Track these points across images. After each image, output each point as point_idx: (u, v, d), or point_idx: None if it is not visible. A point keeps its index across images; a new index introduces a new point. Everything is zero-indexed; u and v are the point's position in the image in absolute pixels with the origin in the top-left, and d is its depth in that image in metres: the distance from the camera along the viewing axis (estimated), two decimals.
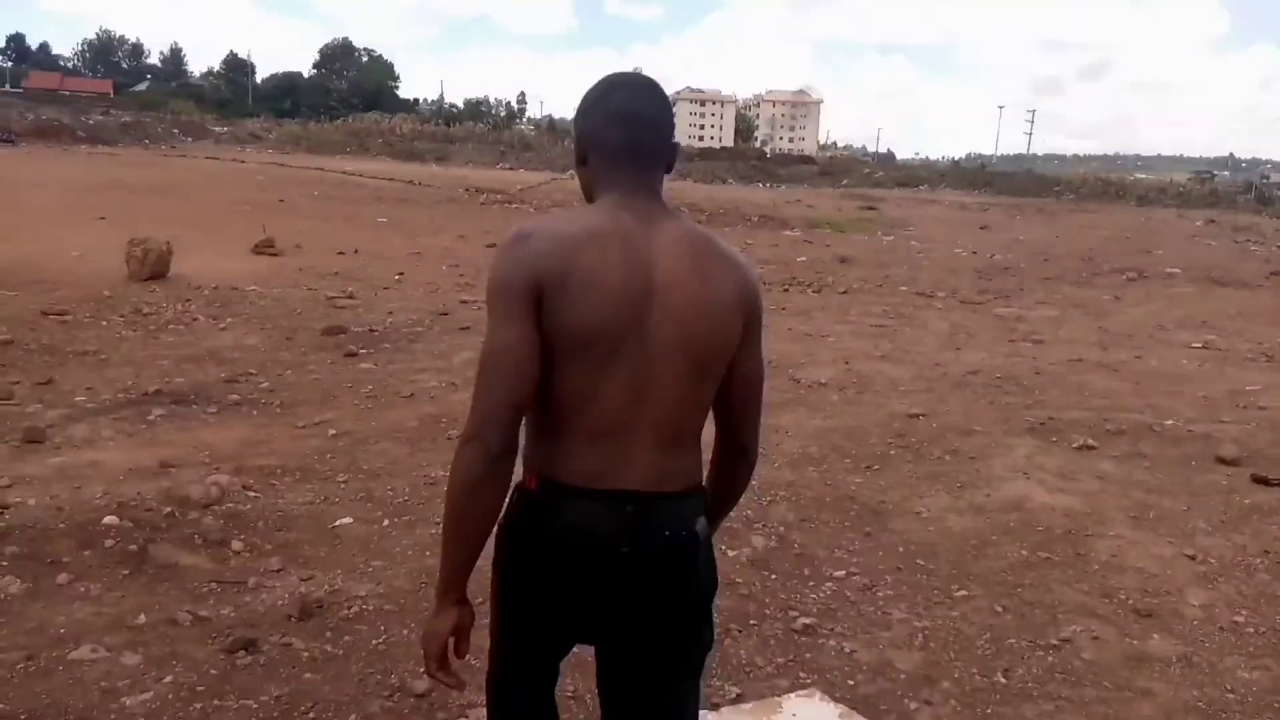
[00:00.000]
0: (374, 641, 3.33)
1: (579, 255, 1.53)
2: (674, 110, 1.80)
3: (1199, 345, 10.38)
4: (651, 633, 1.67)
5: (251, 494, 4.53)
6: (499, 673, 1.85)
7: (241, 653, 3.19)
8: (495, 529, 1.62)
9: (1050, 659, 3.38)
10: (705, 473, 1.77)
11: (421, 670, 3.10)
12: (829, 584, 3.95)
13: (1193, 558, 4.25)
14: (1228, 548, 4.37)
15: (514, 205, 26.22)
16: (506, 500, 1.59)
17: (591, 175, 1.69)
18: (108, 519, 4.00)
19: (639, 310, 1.55)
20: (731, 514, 4.17)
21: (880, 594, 3.88)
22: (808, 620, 3.60)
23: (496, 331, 1.54)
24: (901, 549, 4.32)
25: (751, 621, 3.60)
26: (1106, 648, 3.47)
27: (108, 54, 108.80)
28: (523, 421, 1.58)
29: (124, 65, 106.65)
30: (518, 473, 1.60)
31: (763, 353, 1.75)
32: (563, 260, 1.53)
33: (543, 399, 1.58)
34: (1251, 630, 3.62)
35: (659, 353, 1.56)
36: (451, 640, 1.67)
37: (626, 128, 1.65)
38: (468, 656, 1.71)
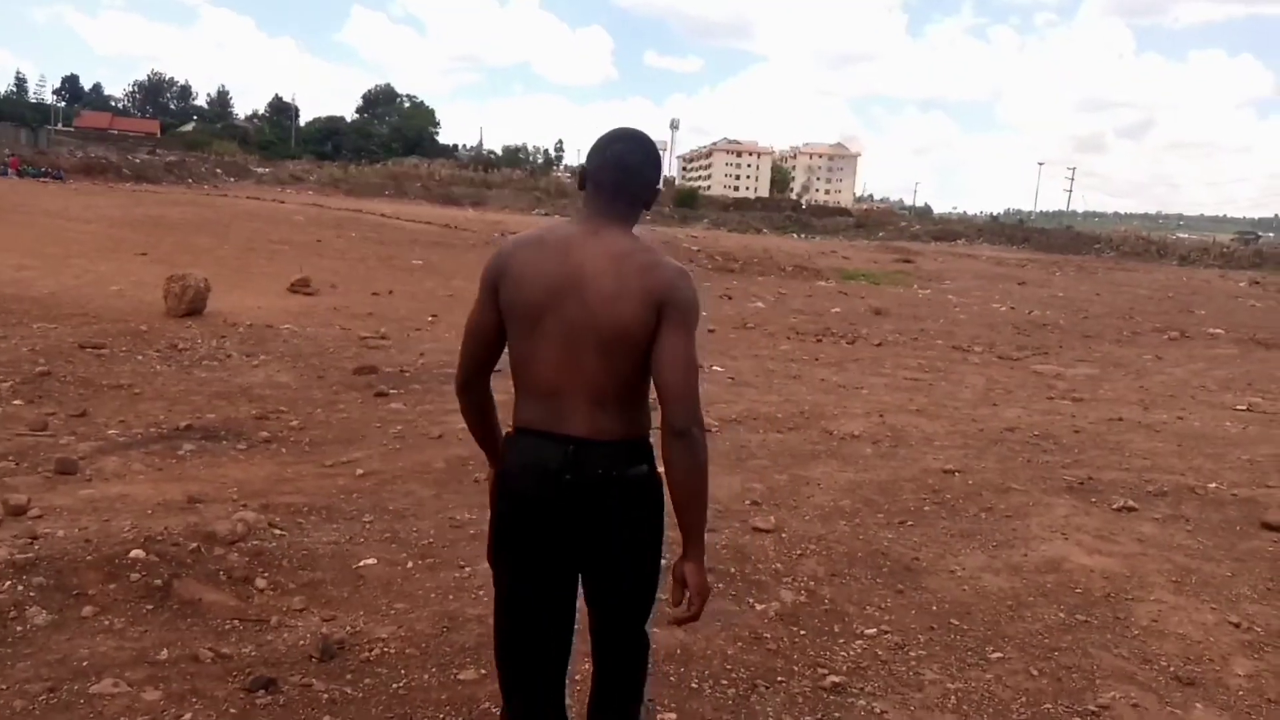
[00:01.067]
0: (394, 685, 3.28)
1: (520, 256, 2.13)
2: (660, 161, 2.32)
3: (1243, 408, 10.17)
4: (598, 545, 2.15)
5: (277, 532, 4.51)
6: (497, 607, 2.27)
7: (261, 692, 3.15)
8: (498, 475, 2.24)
9: None
10: (648, 435, 2.20)
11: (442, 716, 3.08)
12: (859, 641, 3.85)
13: (1237, 625, 4.09)
14: (1275, 616, 4.21)
15: None
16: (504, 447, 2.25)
17: (584, 198, 2.22)
18: (134, 553, 3.99)
19: (558, 296, 2.06)
20: (760, 564, 4.09)
21: (912, 653, 3.77)
22: (837, 679, 3.50)
23: (472, 311, 2.23)
24: (935, 608, 4.20)
25: (779, 678, 3.51)
26: (1147, 716, 3.34)
27: (157, 95, 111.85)
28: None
29: (172, 106, 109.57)
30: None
31: (689, 343, 2.09)
32: (508, 260, 2.14)
33: (511, 370, 2.19)
34: None
35: (574, 330, 2.06)
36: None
37: (616, 173, 2.18)
38: None
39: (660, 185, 2.32)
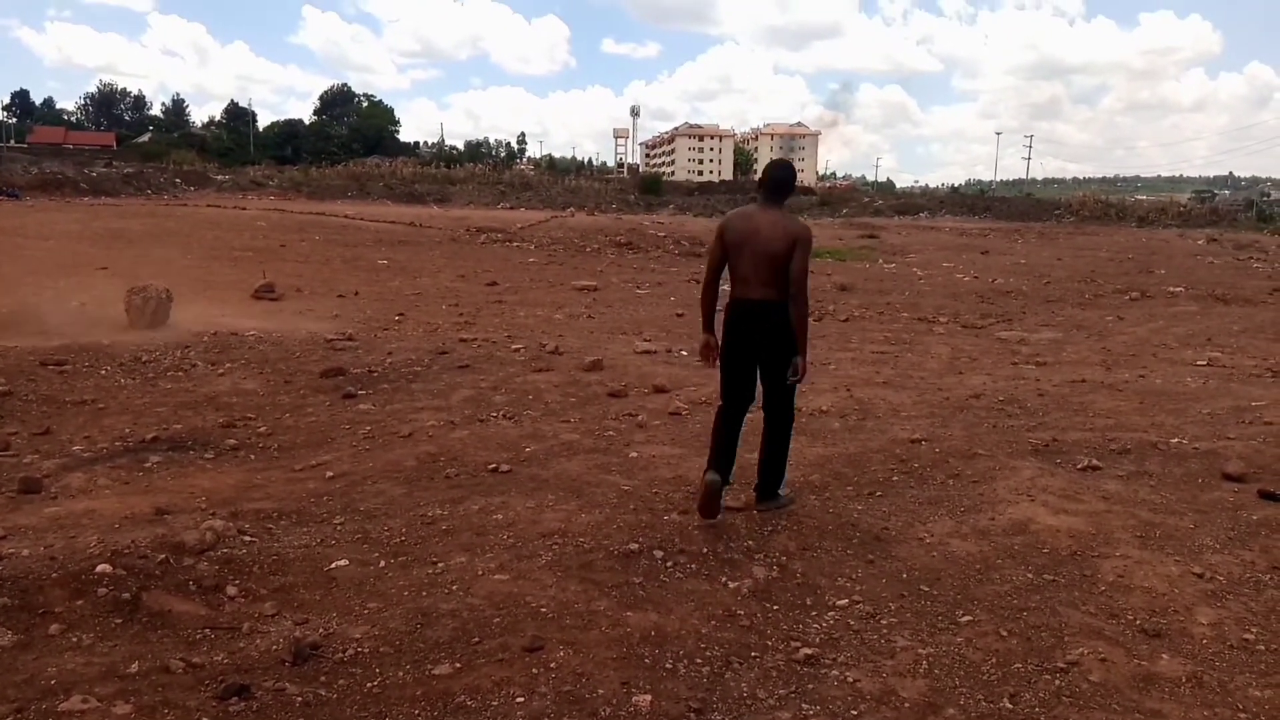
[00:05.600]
0: (368, 684, 3.27)
1: (732, 222, 4.84)
2: (792, 173, 4.97)
3: (1203, 363, 10.34)
4: (765, 346, 4.72)
5: (247, 538, 4.48)
6: (721, 392, 4.95)
7: (234, 699, 3.13)
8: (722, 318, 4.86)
9: (1057, 682, 3.32)
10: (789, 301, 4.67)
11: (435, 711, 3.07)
12: (831, 613, 3.89)
13: (1200, 575, 4.17)
14: (1236, 564, 4.29)
15: (514, 243, 26.36)
16: (724, 304, 4.87)
17: (761, 194, 4.82)
18: (101, 567, 3.96)
19: (749, 239, 4.65)
20: (733, 543, 4.33)
21: (884, 621, 3.81)
22: (810, 650, 3.53)
23: (711, 249, 4.91)
24: (905, 575, 4.25)
25: (753, 654, 3.54)
26: (1114, 669, 3.40)
27: (110, 106, 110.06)
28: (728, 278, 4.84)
29: (126, 117, 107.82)
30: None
31: (805, 260, 4.60)
32: (728, 224, 4.83)
33: (730, 271, 4.76)
34: (1262, 648, 3.55)
35: (756, 253, 4.62)
36: (709, 354, 4.97)
37: (768, 180, 4.85)
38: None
39: (794, 185, 4.89)
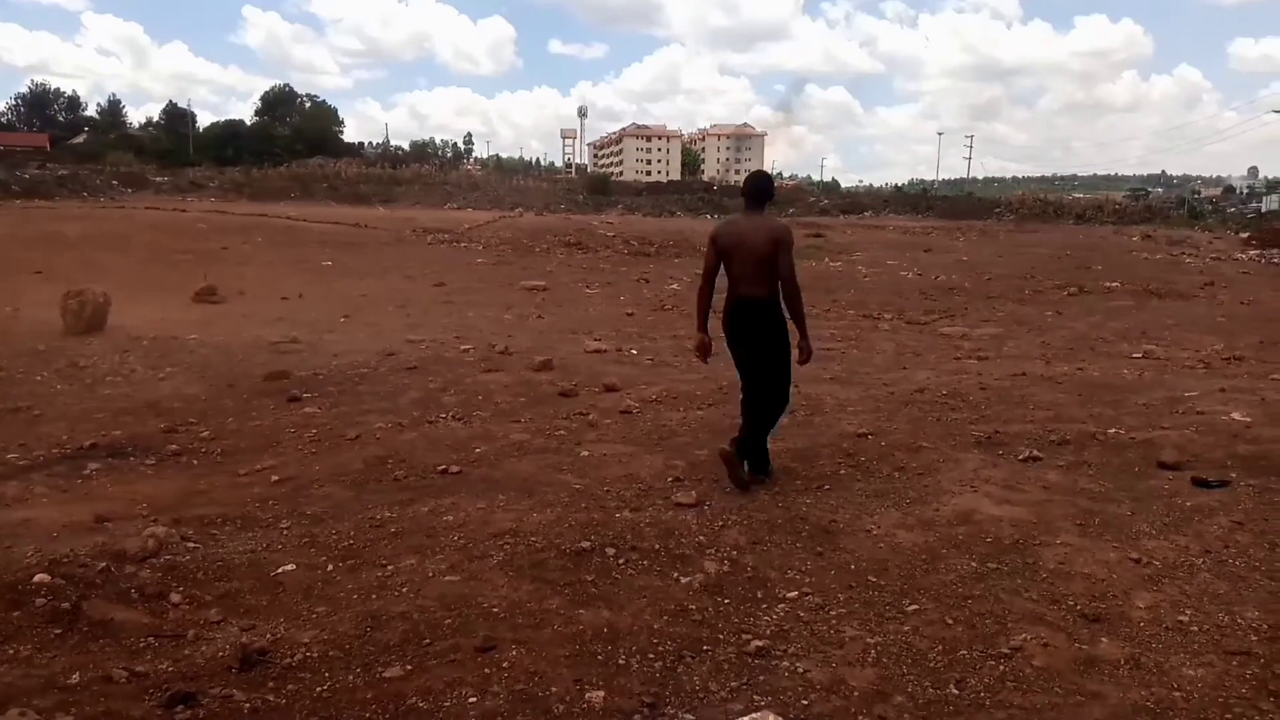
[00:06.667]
0: (318, 689, 3.24)
1: (722, 230, 5.53)
2: (770, 180, 5.62)
3: (1139, 355, 10.60)
4: (758, 338, 5.38)
5: (190, 545, 4.41)
6: (739, 377, 5.64)
7: (180, 707, 3.08)
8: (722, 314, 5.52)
9: (1002, 668, 3.38)
10: (779, 298, 5.32)
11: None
12: (781, 605, 3.93)
13: (1138, 561, 4.28)
14: (1171, 549, 4.41)
15: (462, 244, 26.19)
16: (724, 302, 5.47)
17: (745, 202, 5.47)
18: (39, 577, 3.87)
19: (738, 244, 5.30)
20: (684, 538, 4.21)
21: (833, 612, 3.86)
22: (760, 643, 3.57)
23: (706, 255, 5.50)
24: (853, 566, 4.31)
25: (705, 647, 3.56)
26: (1056, 653, 3.48)
27: (43, 107, 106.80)
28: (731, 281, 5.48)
29: (60, 118, 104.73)
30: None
31: (790, 256, 5.25)
32: (720, 231, 5.50)
33: (725, 273, 5.38)
34: (1196, 629, 3.66)
35: (746, 257, 5.26)
36: (704, 351, 5.64)
37: (748, 190, 5.51)
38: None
39: (772, 191, 5.47)
